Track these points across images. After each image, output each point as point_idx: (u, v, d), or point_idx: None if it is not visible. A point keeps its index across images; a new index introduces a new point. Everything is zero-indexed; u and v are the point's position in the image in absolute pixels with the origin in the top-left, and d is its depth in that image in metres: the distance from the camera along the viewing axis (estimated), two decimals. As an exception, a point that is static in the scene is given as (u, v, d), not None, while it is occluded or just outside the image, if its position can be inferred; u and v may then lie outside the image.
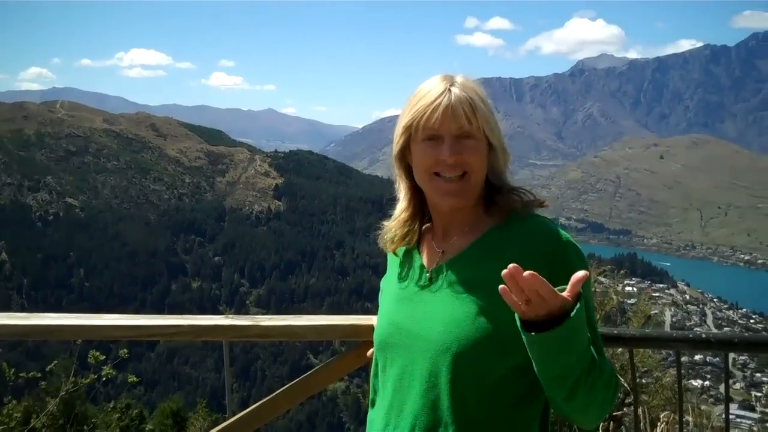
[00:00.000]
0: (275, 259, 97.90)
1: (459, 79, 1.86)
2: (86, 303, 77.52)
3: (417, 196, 2.01)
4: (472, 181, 1.84)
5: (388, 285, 2.12)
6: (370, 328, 2.70)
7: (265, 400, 2.77)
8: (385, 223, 2.10)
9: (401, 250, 2.10)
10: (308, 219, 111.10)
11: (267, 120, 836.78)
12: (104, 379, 5.07)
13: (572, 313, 1.52)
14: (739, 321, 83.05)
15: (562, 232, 1.82)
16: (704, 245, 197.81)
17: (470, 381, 1.73)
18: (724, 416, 3.02)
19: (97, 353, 4.89)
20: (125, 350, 5.17)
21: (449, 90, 1.81)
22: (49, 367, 5.64)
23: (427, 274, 1.93)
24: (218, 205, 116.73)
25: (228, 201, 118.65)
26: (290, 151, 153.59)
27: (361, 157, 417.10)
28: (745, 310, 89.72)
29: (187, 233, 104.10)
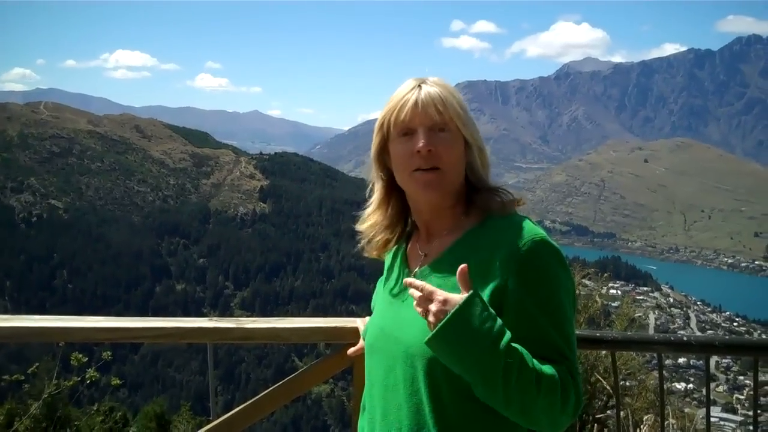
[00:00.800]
0: (260, 261, 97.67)
1: (431, 78, 1.91)
2: (70, 305, 76.98)
3: (398, 200, 2.04)
4: (447, 175, 1.85)
5: (380, 287, 2.18)
6: (354, 331, 2.71)
7: (249, 402, 2.77)
8: (359, 227, 2.13)
9: (390, 253, 2.15)
10: (293, 221, 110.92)
11: (252, 122, 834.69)
12: (87, 381, 5.04)
13: (450, 312, 1.58)
14: (723, 324, 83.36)
15: (538, 230, 1.80)
16: (688, 248, 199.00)
17: (446, 385, 1.73)
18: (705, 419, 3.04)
19: (80, 356, 4.87)
20: (108, 353, 5.15)
21: (419, 87, 1.87)
22: (31, 369, 5.61)
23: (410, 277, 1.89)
24: (203, 207, 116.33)
25: (213, 203, 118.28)
26: (275, 153, 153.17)
27: (346, 160, 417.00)
28: (728, 313, 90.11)
29: (171, 235, 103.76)
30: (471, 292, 1.61)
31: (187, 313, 77.64)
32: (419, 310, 1.64)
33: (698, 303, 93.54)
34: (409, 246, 2.08)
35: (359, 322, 2.75)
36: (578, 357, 1.81)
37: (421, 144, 1.82)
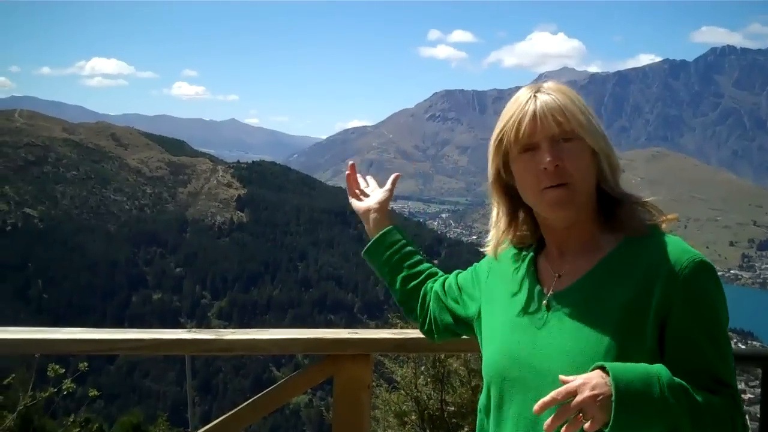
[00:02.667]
0: (238, 270, 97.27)
1: (546, 84, 1.75)
2: (45, 315, 76.26)
3: (523, 217, 1.89)
4: (578, 188, 1.68)
5: (497, 305, 1.93)
6: (334, 342, 2.72)
7: (228, 414, 2.76)
8: (485, 249, 1.98)
9: (511, 268, 1.94)
10: (271, 230, 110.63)
11: (229, 130, 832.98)
12: (64, 392, 4.99)
13: (612, 397, 1.43)
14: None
15: (694, 250, 1.66)
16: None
17: None
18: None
19: (57, 366, 4.82)
20: (85, 363, 5.10)
21: (534, 96, 1.70)
22: (6, 380, 5.54)
23: (545, 301, 1.77)
24: (180, 215, 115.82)
25: (190, 212, 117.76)
26: (253, 161, 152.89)
27: (324, 168, 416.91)
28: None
29: (148, 244, 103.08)
30: (602, 365, 1.48)
31: (163, 323, 77.13)
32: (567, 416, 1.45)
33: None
34: (538, 259, 1.89)
35: (339, 333, 2.75)
36: None
37: (547, 160, 1.65)
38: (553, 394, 1.46)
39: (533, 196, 1.72)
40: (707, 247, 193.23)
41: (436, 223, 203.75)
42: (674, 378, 1.50)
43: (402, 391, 6.32)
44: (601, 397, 1.43)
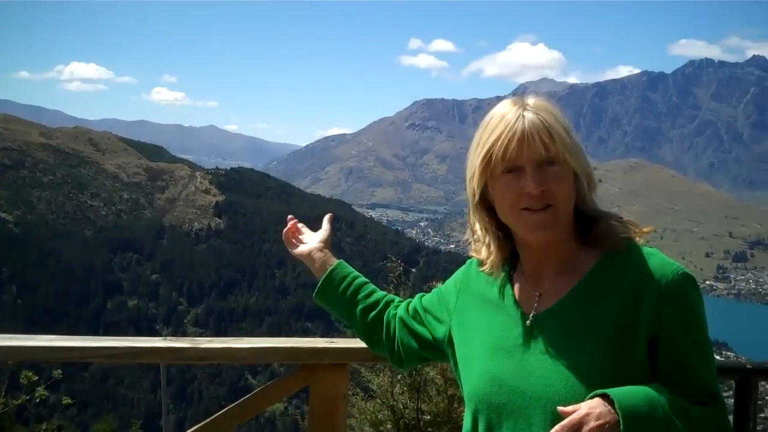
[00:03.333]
0: (215, 277, 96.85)
1: (531, 101, 1.71)
2: (19, 321, 75.43)
3: (500, 234, 1.84)
4: (561, 212, 1.68)
5: (476, 327, 1.89)
6: (310, 351, 2.71)
7: (204, 422, 2.74)
8: (481, 259, 1.91)
9: (486, 287, 1.91)
10: (249, 237, 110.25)
11: (208, 136, 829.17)
12: (37, 400, 4.95)
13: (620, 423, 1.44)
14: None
15: (676, 263, 1.67)
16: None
17: None
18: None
19: (30, 373, 4.78)
20: (59, 371, 5.06)
21: (522, 116, 1.66)
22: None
23: (528, 322, 1.74)
24: (157, 222, 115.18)
25: (167, 218, 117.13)
26: (231, 168, 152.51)
27: (303, 176, 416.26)
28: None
29: (124, 250, 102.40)
30: (603, 392, 1.49)
31: (139, 330, 76.72)
32: None
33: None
34: (513, 279, 1.86)
35: (317, 343, 2.75)
36: None
37: (532, 185, 1.64)
38: (557, 428, 1.45)
39: (512, 216, 1.71)
40: (683, 258, 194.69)
41: (414, 232, 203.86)
42: (672, 396, 1.52)
43: (378, 400, 6.30)
44: (607, 427, 1.43)
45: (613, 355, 1.59)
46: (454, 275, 2.08)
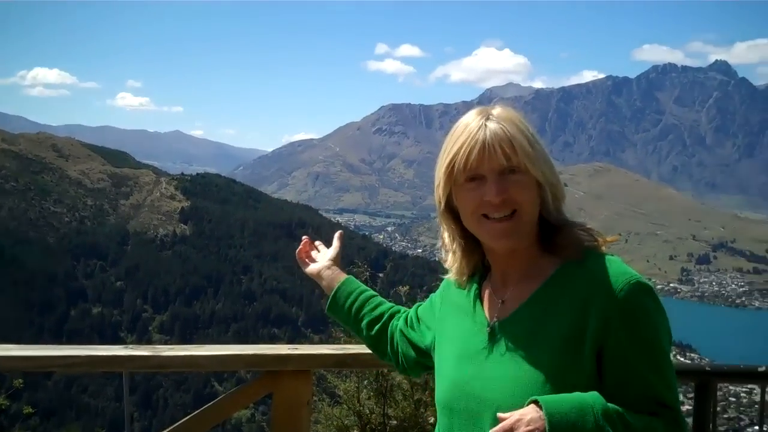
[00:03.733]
0: (180, 284, 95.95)
1: (495, 111, 1.75)
2: (-20, 330, 74.30)
3: (468, 241, 1.89)
4: (523, 219, 1.72)
5: (448, 334, 1.96)
6: (273, 358, 2.69)
7: (167, 430, 2.71)
8: (448, 265, 1.97)
9: (459, 294, 1.97)
10: (215, 243, 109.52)
11: (174, 142, 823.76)
12: (-3, 410, 4.88)
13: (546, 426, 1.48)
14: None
15: (631, 271, 1.68)
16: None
17: None
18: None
19: (-10, 383, 4.71)
20: (20, 380, 4.99)
21: (484, 125, 1.70)
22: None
23: (488, 329, 1.80)
24: (121, 228, 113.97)
25: (132, 224, 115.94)
26: (197, 173, 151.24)
27: (270, 181, 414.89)
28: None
29: (88, 257, 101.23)
30: (535, 399, 1.52)
31: (103, 338, 75.90)
32: None
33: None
34: (483, 286, 1.92)
35: (280, 349, 2.72)
36: None
37: (493, 194, 1.68)
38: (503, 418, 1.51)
39: (474, 223, 1.76)
40: (648, 261, 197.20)
41: (381, 237, 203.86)
42: (609, 405, 1.52)
43: (344, 405, 6.29)
44: None
45: (562, 363, 1.61)
46: (442, 283, 2.12)
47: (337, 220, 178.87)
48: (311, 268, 2.50)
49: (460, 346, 1.85)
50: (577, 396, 1.53)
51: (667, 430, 1.60)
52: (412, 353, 2.18)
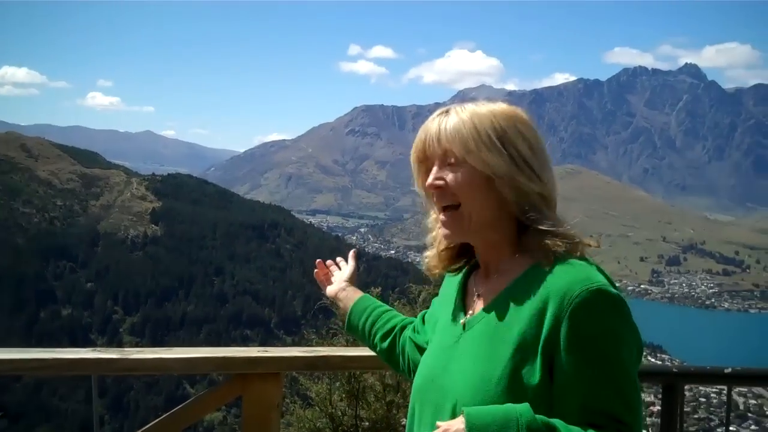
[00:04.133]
0: (151, 285, 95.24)
1: (456, 107, 1.80)
2: (-53, 332, 73.33)
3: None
4: (464, 213, 1.74)
5: (437, 319, 2.02)
6: (243, 361, 2.68)
7: (135, 434, 2.69)
8: (426, 253, 2.02)
9: (453, 283, 2.00)
10: (186, 244, 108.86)
11: (145, 142, 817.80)
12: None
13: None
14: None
15: (595, 277, 1.62)
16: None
17: None
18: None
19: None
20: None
21: (439, 117, 1.78)
22: None
23: (461, 322, 1.83)
24: (92, 229, 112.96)
25: (102, 225, 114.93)
26: (168, 174, 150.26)
27: (242, 182, 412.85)
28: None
29: (58, 258, 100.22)
30: (464, 414, 1.52)
31: (73, 340, 75.21)
32: None
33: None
34: (470, 278, 1.95)
35: (248, 352, 2.71)
36: None
37: (430, 178, 1.77)
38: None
39: (437, 212, 1.85)
40: (619, 262, 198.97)
41: (354, 238, 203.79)
42: (537, 417, 1.49)
43: (316, 408, 6.29)
44: None
45: (515, 364, 1.61)
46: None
47: (310, 222, 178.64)
48: (329, 291, 2.51)
49: (440, 338, 1.89)
50: (504, 408, 1.52)
51: None
52: (419, 357, 2.09)
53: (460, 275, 1.98)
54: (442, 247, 1.96)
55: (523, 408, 1.50)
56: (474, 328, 1.76)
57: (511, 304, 1.68)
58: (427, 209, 1.94)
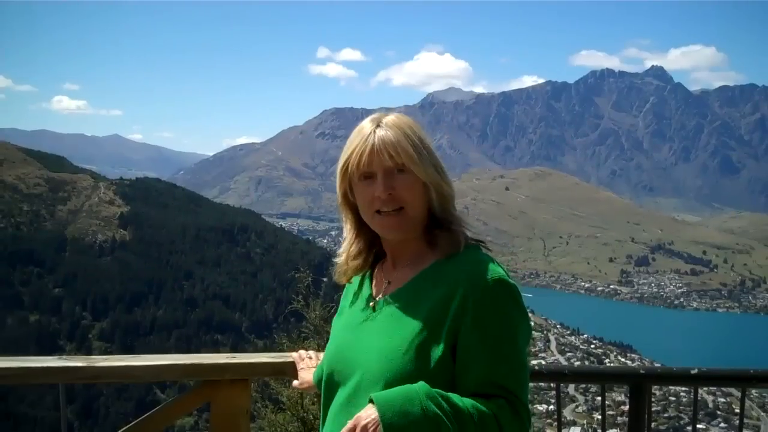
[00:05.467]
0: (120, 290, 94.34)
1: (386, 119, 2.05)
2: None
3: (367, 229, 2.15)
4: (409, 215, 2.00)
5: (341, 312, 2.27)
6: (210, 368, 2.67)
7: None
8: (336, 259, 2.25)
9: (356, 278, 2.25)
10: (155, 249, 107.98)
11: (112, 146, 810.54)
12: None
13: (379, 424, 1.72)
14: (581, 346, 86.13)
15: (496, 269, 1.94)
16: (548, 273, 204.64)
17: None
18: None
19: None
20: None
21: (374, 132, 2.00)
22: None
23: (371, 304, 2.09)
24: (59, 234, 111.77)
25: (70, 230, 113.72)
26: (137, 178, 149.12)
27: (211, 185, 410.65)
28: (586, 335, 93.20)
29: (24, 264, 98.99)
30: (370, 400, 1.75)
31: (41, 346, 74.30)
32: None
33: (558, 326, 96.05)
34: (376, 270, 2.21)
35: (216, 358, 2.70)
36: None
37: (379, 191, 1.96)
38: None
39: (369, 217, 2.05)
40: (588, 263, 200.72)
41: (325, 241, 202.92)
42: (432, 390, 1.76)
43: (288, 412, 6.27)
44: (373, 425, 1.71)
45: (422, 339, 1.87)
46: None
47: (281, 225, 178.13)
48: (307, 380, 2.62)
49: (347, 319, 2.17)
50: (404, 387, 1.77)
51: (498, 408, 1.80)
52: None
53: (366, 272, 2.24)
54: (354, 251, 2.19)
55: (420, 384, 1.77)
56: (384, 309, 2.03)
57: (421, 289, 1.98)
58: (344, 213, 2.19)
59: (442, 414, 1.71)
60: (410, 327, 1.91)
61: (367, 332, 2.02)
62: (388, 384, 1.84)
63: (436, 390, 1.77)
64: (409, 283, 2.03)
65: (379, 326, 2.00)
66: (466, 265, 1.95)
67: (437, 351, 1.85)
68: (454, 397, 1.77)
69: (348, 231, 2.20)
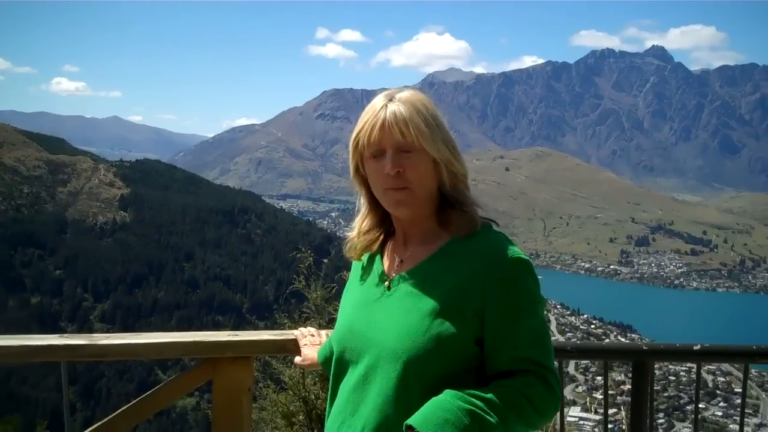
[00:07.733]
0: (121, 272, 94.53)
1: (400, 94, 2.01)
2: None
3: (379, 205, 2.10)
4: (416, 193, 1.95)
5: (350, 289, 2.22)
6: (212, 345, 2.66)
7: (106, 419, 2.67)
8: (348, 233, 2.22)
9: (366, 255, 2.21)
10: (156, 230, 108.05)
11: (112, 128, 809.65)
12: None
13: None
14: (581, 326, 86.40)
15: (515, 248, 1.92)
16: (548, 254, 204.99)
17: (417, 385, 1.82)
18: (560, 418, 3.16)
19: None
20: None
21: (386, 106, 1.97)
22: None
23: (386, 282, 2.05)
24: (59, 216, 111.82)
25: (70, 212, 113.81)
26: (137, 160, 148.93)
27: (211, 167, 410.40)
28: (586, 315, 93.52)
29: (25, 246, 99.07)
30: (408, 424, 1.71)
31: (43, 328, 74.47)
32: None
33: (558, 306, 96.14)
34: (386, 248, 2.17)
35: (219, 336, 2.69)
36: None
37: (388, 167, 1.92)
38: None
39: (379, 194, 2.02)
40: (588, 243, 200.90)
41: (326, 222, 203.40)
42: (459, 392, 1.74)
43: (290, 392, 6.27)
44: None
45: (440, 321, 1.84)
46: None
47: (281, 206, 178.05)
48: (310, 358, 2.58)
49: (359, 296, 2.12)
50: (433, 401, 1.74)
51: (528, 386, 1.80)
52: None
53: (376, 251, 2.19)
54: (366, 226, 2.17)
55: (445, 392, 1.76)
56: (400, 286, 1.99)
57: (439, 269, 1.94)
58: (357, 188, 2.16)
59: (480, 411, 1.70)
60: (430, 305, 1.88)
61: (382, 310, 1.99)
62: (408, 363, 1.83)
63: (461, 392, 1.74)
64: (426, 261, 1.99)
65: (396, 304, 1.96)
66: (484, 244, 1.94)
67: (459, 330, 1.83)
68: (478, 392, 1.75)
69: (362, 205, 2.18)
